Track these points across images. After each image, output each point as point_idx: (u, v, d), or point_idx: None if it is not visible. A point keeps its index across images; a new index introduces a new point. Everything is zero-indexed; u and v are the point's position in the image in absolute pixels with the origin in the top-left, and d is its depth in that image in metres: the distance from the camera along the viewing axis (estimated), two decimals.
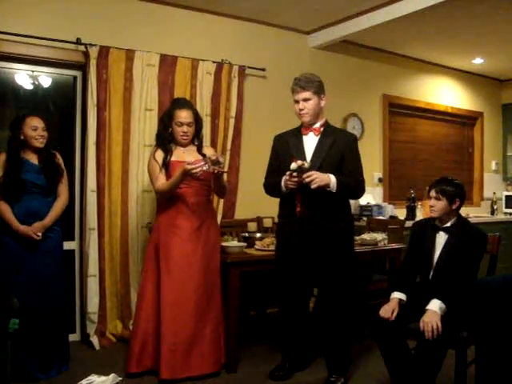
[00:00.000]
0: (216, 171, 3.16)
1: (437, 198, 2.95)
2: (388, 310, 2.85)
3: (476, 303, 2.68)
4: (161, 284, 3.27)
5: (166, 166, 3.36)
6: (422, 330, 2.67)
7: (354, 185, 3.23)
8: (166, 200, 3.38)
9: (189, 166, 3.10)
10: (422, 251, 3.04)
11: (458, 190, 2.98)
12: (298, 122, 3.36)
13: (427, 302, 2.79)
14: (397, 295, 2.95)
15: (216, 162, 3.12)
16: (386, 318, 2.83)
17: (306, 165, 3.02)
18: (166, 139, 3.42)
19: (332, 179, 3.06)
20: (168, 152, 3.39)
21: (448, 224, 2.98)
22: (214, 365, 3.35)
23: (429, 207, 3.03)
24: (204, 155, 3.40)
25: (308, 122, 3.22)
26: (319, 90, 3.21)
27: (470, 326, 2.73)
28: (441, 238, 2.99)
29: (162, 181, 3.32)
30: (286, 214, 3.28)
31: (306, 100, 3.17)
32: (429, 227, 3.06)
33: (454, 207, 2.96)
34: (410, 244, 3.19)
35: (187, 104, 3.53)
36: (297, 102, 3.20)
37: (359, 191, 3.32)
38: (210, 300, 3.37)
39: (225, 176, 3.63)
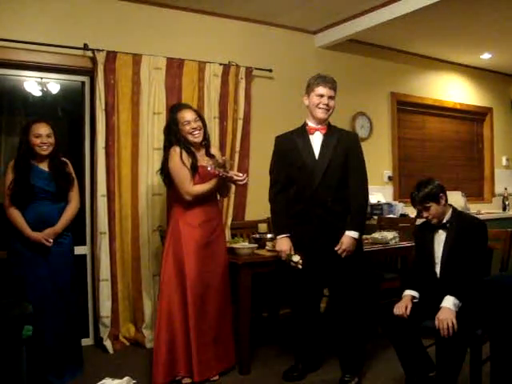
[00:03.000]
0: (221, 174, 3.18)
1: (425, 209, 2.95)
2: (401, 307, 2.85)
3: (490, 300, 2.66)
4: (187, 287, 3.24)
5: (195, 169, 3.32)
6: (438, 327, 2.65)
7: (361, 207, 3.24)
8: (181, 204, 3.35)
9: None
10: (424, 253, 3.05)
11: (435, 186, 2.96)
12: None
13: (440, 300, 2.78)
14: (408, 292, 2.95)
15: (222, 166, 3.16)
16: (400, 315, 2.82)
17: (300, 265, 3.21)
18: (184, 144, 3.34)
19: (353, 234, 3.15)
20: (195, 156, 3.34)
21: (444, 220, 2.98)
22: (231, 360, 3.43)
23: (426, 219, 3.02)
24: (213, 156, 3.42)
25: (324, 118, 3.25)
26: (336, 94, 3.29)
27: (485, 323, 2.71)
28: (441, 236, 2.99)
29: (192, 184, 3.29)
30: (294, 215, 3.29)
31: (331, 98, 3.24)
32: (428, 228, 3.06)
33: (443, 203, 2.95)
34: (416, 247, 3.21)
35: (186, 105, 3.55)
36: (321, 96, 3.22)
37: (365, 198, 3.30)
38: (225, 298, 3.41)
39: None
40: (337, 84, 3.28)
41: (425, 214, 2.98)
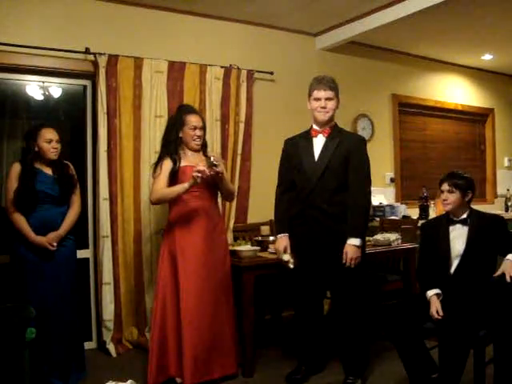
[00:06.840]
0: (211, 172, 3.17)
1: (450, 191, 2.98)
2: (436, 311, 2.82)
3: (493, 301, 2.66)
4: (180, 288, 3.25)
5: (176, 172, 3.33)
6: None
7: (360, 209, 3.16)
8: (177, 206, 3.38)
9: (194, 174, 3.14)
10: (438, 248, 3.03)
11: (470, 183, 3.01)
12: (308, 124, 3.37)
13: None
14: (432, 292, 2.91)
15: (211, 164, 3.16)
16: (438, 318, 2.80)
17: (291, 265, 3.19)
18: (175, 147, 3.38)
19: (355, 242, 3.08)
20: (176, 161, 3.36)
21: (464, 216, 2.99)
22: (232, 366, 3.37)
23: (441, 201, 3.04)
24: (208, 157, 3.41)
25: (324, 120, 3.25)
26: (338, 94, 3.29)
27: (488, 324, 2.70)
28: (458, 231, 2.99)
29: (159, 186, 3.31)
30: (293, 216, 3.30)
31: (328, 99, 3.23)
32: (442, 223, 3.06)
33: (466, 199, 2.99)
34: (423, 244, 3.18)
35: (195, 109, 3.60)
36: (318, 99, 3.23)
37: (365, 201, 3.23)
38: (226, 302, 3.38)
39: (234, 180, 3.61)
40: (336, 83, 3.27)
41: (443, 196, 2.99)
